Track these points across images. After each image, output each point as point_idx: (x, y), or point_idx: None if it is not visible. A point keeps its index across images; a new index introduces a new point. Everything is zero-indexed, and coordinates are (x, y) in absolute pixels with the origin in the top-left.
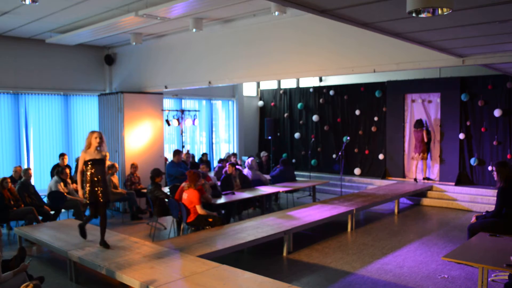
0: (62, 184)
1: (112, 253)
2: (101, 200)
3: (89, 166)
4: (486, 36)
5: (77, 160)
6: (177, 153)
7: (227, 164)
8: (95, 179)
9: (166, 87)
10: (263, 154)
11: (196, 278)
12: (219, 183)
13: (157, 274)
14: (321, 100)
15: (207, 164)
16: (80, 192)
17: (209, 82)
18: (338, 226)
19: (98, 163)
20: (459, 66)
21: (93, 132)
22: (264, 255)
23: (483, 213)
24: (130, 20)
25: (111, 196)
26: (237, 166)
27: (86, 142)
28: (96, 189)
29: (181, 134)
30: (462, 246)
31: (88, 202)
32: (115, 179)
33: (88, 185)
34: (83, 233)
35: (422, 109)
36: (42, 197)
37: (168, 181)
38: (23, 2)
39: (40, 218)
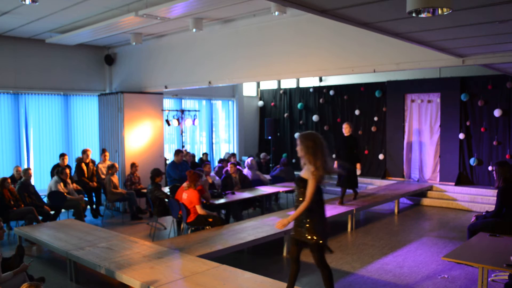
0: (62, 184)
1: (112, 253)
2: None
3: (320, 191)
4: (486, 36)
5: (77, 160)
6: (178, 153)
7: (228, 164)
8: (321, 209)
9: (166, 87)
10: (263, 156)
11: (196, 278)
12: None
13: (157, 274)
14: (321, 100)
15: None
16: (315, 237)
17: (209, 82)
18: (338, 226)
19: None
20: (459, 66)
21: (317, 137)
22: (264, 255)
23: (483, 213)
24: (130, 20)
25: (112, 196)
26: (237, 166)
27: (311, 154)
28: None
29: (181, 134)
30: (462, 246)
31: (323, 244)
32: (115, 179)
33: (318, 218)
34: None
35: (422, 109)
36: (42, 197)
37: (168, 181)
38: (23, 2)
39: (40, 218)
